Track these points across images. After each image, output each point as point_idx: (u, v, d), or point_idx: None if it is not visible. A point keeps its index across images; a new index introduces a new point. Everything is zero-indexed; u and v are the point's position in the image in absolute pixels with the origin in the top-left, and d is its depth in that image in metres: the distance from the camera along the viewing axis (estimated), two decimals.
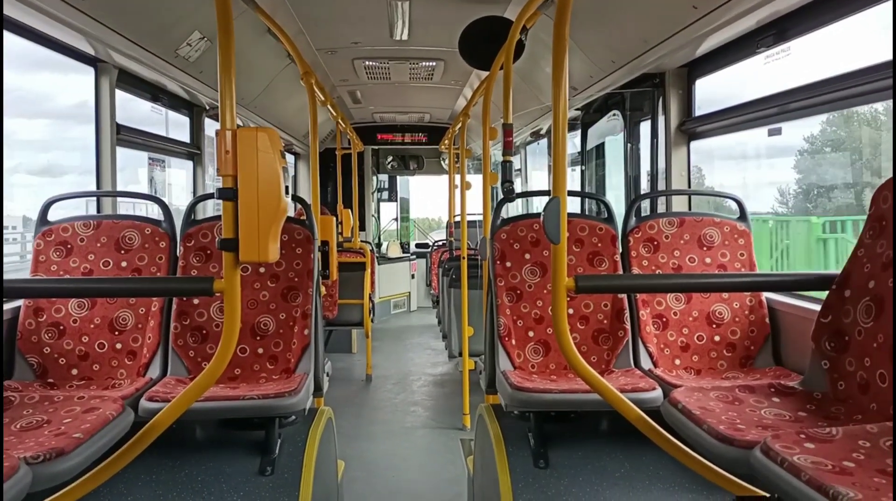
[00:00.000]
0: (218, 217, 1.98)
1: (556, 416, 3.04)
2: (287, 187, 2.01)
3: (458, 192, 6.53)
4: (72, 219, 3.27)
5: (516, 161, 9.51)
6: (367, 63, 6.22)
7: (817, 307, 1.90)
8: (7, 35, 3.05)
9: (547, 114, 6.09)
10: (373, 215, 11.50)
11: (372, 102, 8.46)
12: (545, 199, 1.98)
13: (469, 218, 5.78)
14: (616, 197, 5.42)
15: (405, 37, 5.23)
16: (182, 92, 4.81)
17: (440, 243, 10.34)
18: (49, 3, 2.78)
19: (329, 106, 5.54)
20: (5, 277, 2.06)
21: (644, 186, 4.85)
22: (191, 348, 3.16)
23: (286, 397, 2.68)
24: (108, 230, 3.26)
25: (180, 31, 3.77)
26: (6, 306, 3.00)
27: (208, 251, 3.27)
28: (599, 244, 3.37)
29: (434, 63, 6.23)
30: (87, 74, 3.81)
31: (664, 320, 3.26)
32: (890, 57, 2.45)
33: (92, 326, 3.12)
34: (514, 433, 2.99)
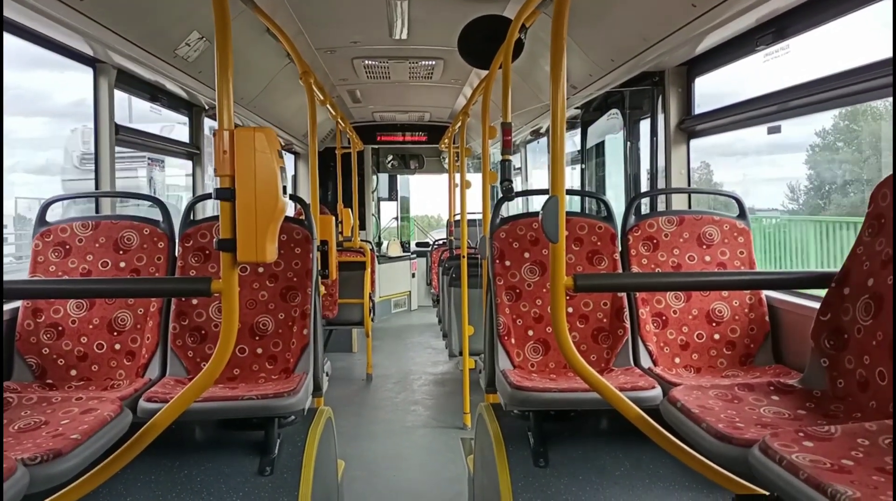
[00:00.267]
0: (217, 217, 1.98)
1: (555, 415, 3.03)
2: (285, 187, 2.01)
3: (457, 191, 6.53)
4: (70, 220, 3.27)
5: (516, 160, 9.51)
6: (366, 62, 6.21)
7: (817, 305, 1.90)
8: (6, 35, 3.05)
9: (546, 112, 6.08)
10: (373, 215, 11.50)
11: (372, 102, 8.46)
12: (545, 197, 1.97)
13: (469, 217, 5.78)
14: (616, 196, 5.42)
15: (404, 36, 5.23)
16: (181, 92, 4.81)
17: (440, 241, 10.34)
18: (47, 4, 2.78)
19: (328, 105, 5.54)
20: (4, 277, 2.06)
21: (644, 184, 4.84)
22: (190, 348, 3.16)
23: (285, 397, 2.68)
24: (106, 231, 3.26)
25: (179, 32, 3.77)
26: (5, 307, 3.00)
27: (207, 252, 3.26)
28: (599, 243, 3.37)
29: (433, 62, 6.22)
30: (85, 73, 3.81)
31: (664, 318, 3.26)
32: (890, 54, 2.44)
33: (91, 326, 3.12)
34: (513, 433, 2.99)
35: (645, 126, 4.70)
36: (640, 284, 2.66)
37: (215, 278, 1.95)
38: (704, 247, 3.34)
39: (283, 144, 7.92)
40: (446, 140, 8.82)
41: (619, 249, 3.39)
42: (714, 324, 3.22)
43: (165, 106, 4.85)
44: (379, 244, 11.57)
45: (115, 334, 3.14)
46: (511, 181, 3.41)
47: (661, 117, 4.31)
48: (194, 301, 3.20)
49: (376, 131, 10.29)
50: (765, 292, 3.24)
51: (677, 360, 3.21)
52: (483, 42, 4.26)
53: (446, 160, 9.92)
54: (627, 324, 3.23)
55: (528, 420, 2.98)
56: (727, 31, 3.34)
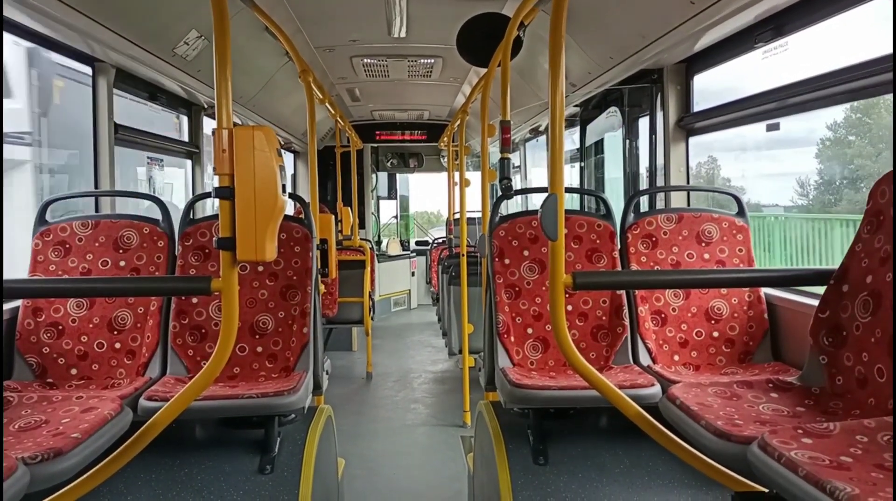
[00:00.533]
0: (217, 216, 1.98)
1: (555, 413, 3.04)
2: (284, 186, 2.01)
3: (457, 189, 6.53)
4: (70, 219, 3.27)
5: (516, 158, 9.51)
6: (365, 61, 6.21)
7: (816, 302, 1.90)
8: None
9: (546, 110, 6.08)
10: (372, 213, 11.50)
11: (371, 100, 8.45)
12: (544, 195, 1.97)
13: (468, 215, 5.78)
14: (615, 193, 5.42)
15: (403, 34, 5.23)
16: (180, 91, 4.81)
17: (440, 240, 10.35)
18: (46, 3, 2.78)
19: (327, 104, 5.54)
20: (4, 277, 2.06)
21: (643, 182, 4.84)
22: (190, 347, 3.16)
23: (285, 395, 2.68)
24: (106, 230, 3.26)
25: (178, 30, 3.77)
26: (5, 307, 3.00)
27: (207, 250, 3.27)
28: (598, 241, 3.37)
29: (432, 60, 6.22)
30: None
31: (663, 316, 3.26)
32: (890, 51, 2.44)
33: (91, 325, 3.12)
34: (513, 430, 2.99)
35: (644, 124, 4.70)
36: (639, 281, 2.66)
37: (215, 277, 1.95)
38: (703, 245, 3.34)
39: (282, 142, 7.92)
40: (445, 138, 8.81)
41: (619, 246, 3.39)
42: (713, 322, 3.23)
43: (164, 105, 4.85)
44: (378, 243, 11.57)
45: (116, 333, 3.14)
46: (510, 179, 3.41)
47: (659, 115, 4.31)
48: (194, 300, 3.20)
49: (375, 130, 10.29)
50: (764, 290, 3.24)
51: (676, 357, 3.21)
52: (482, 40, 4.27)
53: (445, 159, 9.92)
54: (626, 322, 3.24)
55: (527, 418, 2.98)
56: (726, 28, 3.34)
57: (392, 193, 12.62)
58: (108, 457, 1.96)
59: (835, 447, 1.34)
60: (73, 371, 3.07)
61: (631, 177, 4.98)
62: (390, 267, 10.84)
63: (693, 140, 4.23)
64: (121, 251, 3.25)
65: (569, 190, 2.82)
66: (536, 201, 7.96)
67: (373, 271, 7.59)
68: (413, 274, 11.57)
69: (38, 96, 4.96)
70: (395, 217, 12.82)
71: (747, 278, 2.58)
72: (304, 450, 2.88)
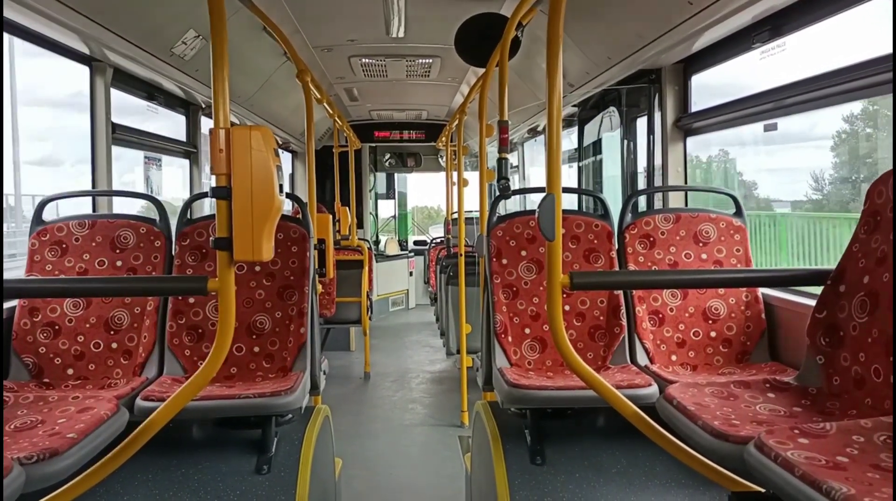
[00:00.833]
0: (214, 216, 1.98)
1: (552, 413, 3.04)
2: (281, 186, 2.01)
3: (455, 189, 6.53)
4: (67, 218, 3.27)
5: (514, 158, 9.51)
6: (363, 60, 6.20)
7: (813, 303, 1.90)
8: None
9: (544, 110, 6.08)
10: (371, 213, 11.50)
11: (369, 100, 8.45)
12: (542, 195, 1.97)
13: (466, 215, 5.78)
14: (613, 193, 5.42)
15: (401, 34, 5.22)
16: (178, 90, 4.80)
17: (438, 240, 10.34)
18: (43, 3, 2.78)
19: (325, 104, 5.53)
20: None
21: (641, 182, 4.85)
22: (187, 347, 3.16)
23: (282, 395, 2.68)
24: (103, 230, 3.26)
25: (175, 30, 3.76)
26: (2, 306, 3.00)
27: (204, 250, 3.26)
28: (595, 241, 3.37)
29: (430, 60, 6.22)
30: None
31: (660, 316, 3.26)
32: (890, 50, 2.44)
33: (87, 325, 3.12)
34: (510, 430, 2.99)
35: (642, 124, 4.70)
36: (637, 282, 2.66)
37: (212, 277, 1.95)
38: (701, 245, 3.34)
39: (279, 142, 7.91)
40: (444, 138, 8.81)
41: (616, 246, 3.39)
42: (710, 322, 3.23)
43: (162, 104, 4.85)
44: (377, 243, 11.57)
45: (112, 333, 3.13)
46: (508, 179, 3.41)
47: (657, 115, 4.31)
48: (191, 300, 3.20)
49: (373, 130, 10.28)
50: (761, 290, 3.25)
51: (674, 357, 3.21)
52: (480, 40, 4.27)
53: (444, 158, 9.92)
54: (624, 322, 3.24)
55: (524, 418, 2.98)
56: (724, 28, 3.34)
57: (390, 192, 12.62)
58: (104, 457, 1.96)
59: (831, 447, 1.34)
60: (70, 371, 3.07)
61: (629, 177, 4.98)
62: (388, 267, 10.84)
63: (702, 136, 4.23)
64: (118, 251, 3.24)
65: (566, 190, 2.82)
66: (535, 200, 7.96)
67: (371, 270, 7.58)
68: (411, 274, 11.57)
69: None
70: (394, 217, 12.83)
71: (744, 279, 2.58)
72: (302, 450, 2.87)
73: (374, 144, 10.89)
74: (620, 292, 3.27)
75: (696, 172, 4.96)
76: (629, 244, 3.37)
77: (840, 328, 1.80)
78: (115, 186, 4.11)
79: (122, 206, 4.40)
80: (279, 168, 1.99)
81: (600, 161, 6.02)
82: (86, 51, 3.63)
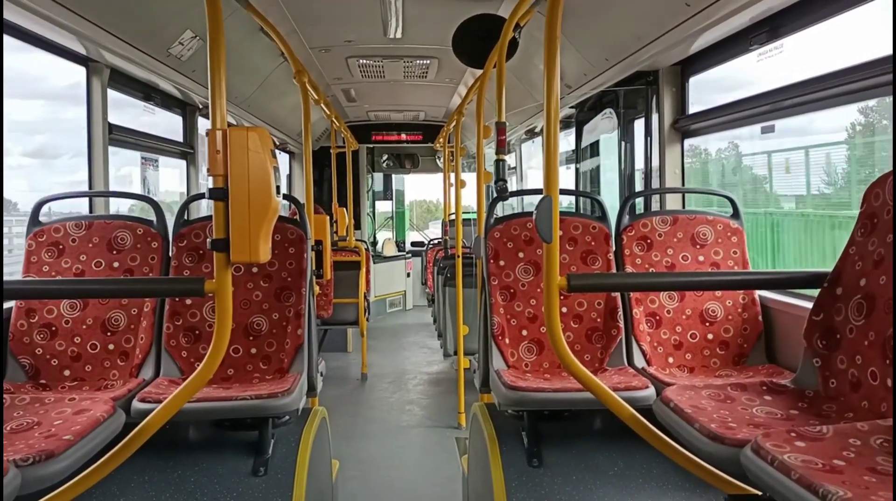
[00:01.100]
0: (211, 217, 1.98)
1: (549, 415, 3.03)
2: (278, 187, 2.01)
3: (452, 190, 6.53)
4: (63, 219, 3.26)
5: (512, 159, 9.51)
6: (360, 61, 6.20)
7: (810, 305, 1.90)
8: None
9: (541, 112, 6.08)
10: (368, 214, 11.49)
11: (366, 101, 8.44)
12: (539, 197, 1.97)
13: (464, 216, 5.78)
14: (610, 195, 5.42)
15: (399, 35, 5.22)
16: (175, 91, 4.80)
17: (436, 241, 10.34)
18: (39, 3, 2.77)
19: (323, 105, 5.53)
20: None
21: (638, 184, 4.85)
22: (184, 348, 3.15)
23: (279, 397, 2.67)
24: (99, 231, 3.25)
25: (172, 30, 3.76)
26: None
27: (201, 251, 3.25)
28: (593, 243, 3.37)
29: (428, 61, 6.21)
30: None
31: (657, 318, 3.26)
32: (890, 52, 2.44)
33: (84, 327, 3.11)
34: (507, 432, 2.99)
35: (639, 126, 4.71)
36: (634, 284, 2.66)
37: (209, 279, 1.95)
38: (698, 247, 3.34)
39: (277, 143, 7.90)
40: (441, 139, 8.81)
41: (613, 248, 3.39)
42: (707, 324, 3.23)
43: (159, 105, 4.84)
44: (374, 244, 11.56)
45: (109, 334, 3.13)
46: (506, 181, 3.41)
47: (655, 117, 4.31)
48: (188, 301, 3.19)
49: (371, 131, 10.27)
50: (758, 292, 3.25)
51: (671, 360, 3.21)
52: (477, 41, 4.26)
53: (441, 160, 9.92)
54: (621, 324, 3.24)
55: (522, 420, 2.98)
56: (721, 30, 3.35)
57: (388, 193, 12.62)
58: (100, 459, 1.95)
59: (828, 450, 1.34)
60: (66, 373, 3.06)
61: (626, 179, 4.99)
62: (386, 268, 10.83)
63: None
64: (114, 252, 3.24)
65: (564, 192, 2.83)
66: (532, 201, 7.97)
67: (368, 272, 7.58)
68: (409, 275, 11.56)
69: None
70: (391, 218, 12.82)
71: (741, 281, 2.58)
72: (298, 452, 2.87)
73: (371, 145, 10.88)
74: (618, 295, 3.27)
75: (709, 166, 4.94)
76: (626, 246, 3.38)
77: (837, 330, 1.80)
78: (111, 183, 4.10)
79: (118, 204, 4.39)
80: (276, 169, 1.99)
81: (598, 163, 6.03)
82: (83, 51, 3.62)
